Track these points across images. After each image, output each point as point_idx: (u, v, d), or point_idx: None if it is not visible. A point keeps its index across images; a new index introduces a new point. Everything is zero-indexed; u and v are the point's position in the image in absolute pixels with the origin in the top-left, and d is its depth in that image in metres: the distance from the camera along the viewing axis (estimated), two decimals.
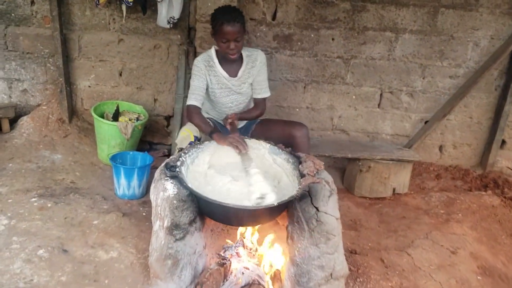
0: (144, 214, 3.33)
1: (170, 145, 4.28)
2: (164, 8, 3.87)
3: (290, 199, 2.48)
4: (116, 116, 4.04)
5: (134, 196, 3.52)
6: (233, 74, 3.22)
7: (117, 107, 4.09)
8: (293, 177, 2.84)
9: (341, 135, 4.45)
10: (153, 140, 4.34)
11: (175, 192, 2.52)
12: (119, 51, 4.23)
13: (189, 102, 3.13)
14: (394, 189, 3.96)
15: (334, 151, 3.85)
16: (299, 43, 4.12)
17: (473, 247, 3.22)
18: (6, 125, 4.19)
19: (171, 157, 2.87)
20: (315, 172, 2.74)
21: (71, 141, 4.20)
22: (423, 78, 4.25)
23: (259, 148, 3.08)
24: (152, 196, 2.72)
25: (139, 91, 4.36)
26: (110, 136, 3.86)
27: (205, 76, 3.15)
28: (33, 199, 3.28)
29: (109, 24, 4.15)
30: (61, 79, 4.18)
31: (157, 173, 2.75)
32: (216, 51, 3.20)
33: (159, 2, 3.81)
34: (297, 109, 4.35)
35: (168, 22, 3.94)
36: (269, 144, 3.07)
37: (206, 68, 3.16)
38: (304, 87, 4.27)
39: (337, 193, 4.03)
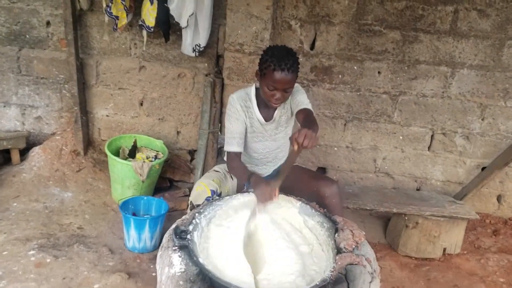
0: (153, 274, 2.91)
1: (193, 183, 3.86)
2: (189, 35, 3.46)
3: (322, 284, 2.02)
4: (133, 153, 3.65)
5: (145, 249, 3.11)
6: (268, 118, 2.80)
7: (135, 142, 3.70)
8: (327, 247, 2.37)
9: (385, 178, 3.93)
10: (174, 177, 3.92)
11: (182, 270, 2.07)
12: (140, 79, 3.84)
13: (230, 148, 2.71)
14: (444, 249, 3.42)
15: (377, 203, 3.33)
16: (340, 76, 3.64)
17: None
18: (16, 156, 3.86)
19: (183, 217, 2.43)
20: (354, 246, 2.26)
21: (84, 177, 3.84)
22: (482, 119, 3.69)
23: (288, 206, 2.63)
24: (157, 267, 2.29)
25: (161, 122, 3.96)
26: (124, 176, 3.47)
27: (241, 116, 2.72)
28: (31, 252, 2.90)
29: (130, 49, 3.77)
30: (76, 108, 3.82)
31: (165, 239, 2.31)
32: (256, 89, 2.78)
33: (183, 28, 3.41)
34: (336, 148, 3.86)
35: (194, 50, 3.53)
36: (300, 202, 2.61)
37: (243, 109, 2.73)
38: (345, 125, 3.79)
39: (379, 250, 3.57)
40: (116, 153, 3.66)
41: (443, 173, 3.88)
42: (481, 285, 3.15)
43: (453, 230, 3.36)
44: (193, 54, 3.55)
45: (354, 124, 3.78)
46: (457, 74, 3.57)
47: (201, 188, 2.65)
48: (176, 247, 2.16)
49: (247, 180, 2.54)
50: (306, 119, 2.58)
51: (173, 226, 2.35)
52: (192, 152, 4.04)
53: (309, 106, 2.72)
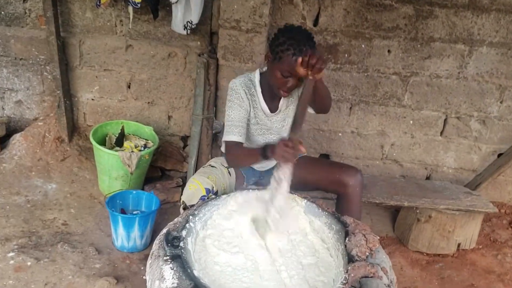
0: (144, 277, 2.65)
1: (186, 172, 3.59)
2: (179, 11, 3.12)
3: None
4: (120, 141, 3.35)
5: (135, 248, 2.85)
6: (273, 108, 2.51)
7: (122, 129, 3.40)
8: (336, 252, 2.13)
9: (393, 166, 3.65)
10: (165, 166, 3.64)
11: (175, 285, 1.83)
12: (127, 59, 3.52)
13: (231, 137, 2.41)
14: (459, 245, 3.17)
15: (386, 196, 3.06)
16: (346, 55, 3.32)
17: None
18: None
19: (175, 220, 2.16)
20: (367, 254, 2.01)
21: (70, 166, 3.55)
22: (501, 102, 3.39)
23: (292, 206, 2.36)
24: (147, 277, 2.03)
25: (150, 106, 3.66)
26: (111, 167, 3.18)
27: (245, 103, 2.43)
28: (11, 254, 2.64)
29: (115, 27, 3.43)
30: (58, 91, 3.51)
31: (155, 245, 2.05)
32: (261, 75, 2.47)
33: (173, 3, 3.07)
34: (340, 134, 3.57)
35: (185, 28, 3.19)
36: (305, 200, 2.34)
37: (247, 96, 2.44)
38: (350, 108, 3.49)
39: (387, 244, 3.31)
40: (102, 141, 3.37)
41: (456, 160, 3.60)
42: (499, 285, 2.92)
43: (469, 224, 3.10)
44: (184, 32, 3.21)
45: (361, 108, 3.48)
46: (475, 52, 3.25)
47: (194, 187, 2.37)
48: (168, 257, 1.91)
49: (261, 155, 2.21)
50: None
51: (164, 230, 2.08)
52: (185, 138, 3.75)
53: None
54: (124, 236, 2.79)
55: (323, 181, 2.54)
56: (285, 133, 2.56)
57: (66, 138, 3.64)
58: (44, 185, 3.36)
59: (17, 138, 3.56)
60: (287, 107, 2.52)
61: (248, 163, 2.54)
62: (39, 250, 2.72)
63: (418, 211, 3.12)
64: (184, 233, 2.01)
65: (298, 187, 2.66)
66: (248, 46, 3.22)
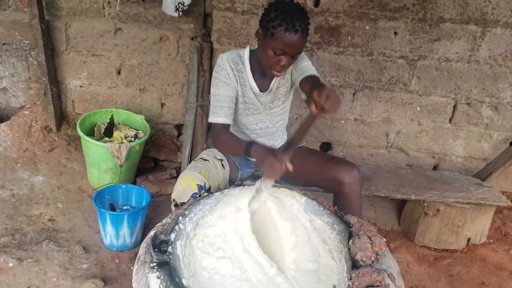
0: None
1: (180, 163, 3.40)
2: None
3: None
4: (109, 130, 3.16)
5: (124, 246, 2.69)
6: (264, 87, 2.34)
7: (111, 118, 3.21)
8: (338, 255, 1.97)
9: (398, 155, 3.46)
10: (158, 157, 3.45)
11: None
12: (116, 43, 3.30)
13: (216, 118, 2.26)
14: (468, 239, 2.99)
15: (392, 189, 2.87)
16: (349, 38, 3.09)
17: None
18: None
19: (164, 221, 1.99)
20: (373, 259, 1.84)
21: (58, 157, 3.37)
22: None
23: (292, 203, 2.19)
24: (133, 285, 1.87)
25: (142, 93, 3.46)
26: (100, 159, 3.00)
27: (232, 81, 2.27)
28: None
29: (103, 9, 3.21)
30: (44, 78, 3.30)
31: (142, 249, 1.88)
32: (250, 52, 2.30)
33: None
34: (343, 121, 3.37)
35: (176, 9, 2.99)
36: (305, 197, 2.17)
37: (234, 73, 2.27)
38: (354, 94, 3.28)
39: (392, 239, 3.14)
40: (91, 131, 3.19)
41: (465, 149, 3.40)
42: None
43: (480, 218, 2.92)
44: (176, 14, 3.01)
45: (365, 94, 3.27)
46: (488, 34, 3.02)
47: (185, 183, 2.19)
48: (155, 264, 1.74)
49: (244, 152, 2.10)
50: (316, 85, 2.05)
51: (152, 233, 1.91)
52: (179, 127, 3.55)
53: (316, 73, 2.25)
54: (112, 234, 2.62)
55: (317, 178, 2.37)
56: (273, 114, 2.41)
57: (54, 128, 3.45)
58: (30, 177, 3.19)
59: (2, 128, 3.37)
60: (278, 88, 2.35)
61: (231, 153, 2.39)
62: (22, 250, 2.56)
63: (425, 204, 2.94)
64: (172, 236, 1.84)
65: (293, 182, 2.49)
66: (244, 29, 3.02)
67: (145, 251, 1.83)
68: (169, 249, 1.78)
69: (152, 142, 3.43)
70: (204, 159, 2.37)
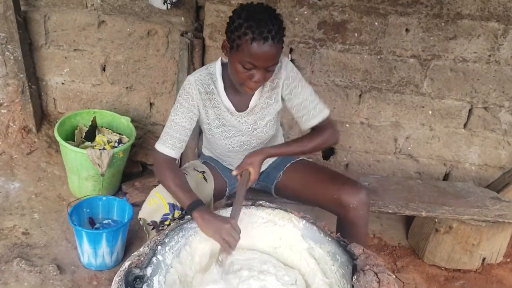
0: None
1: None
2: None
3: None
4: (91, 135, 2.89)
5: (104, 266, 2.44)
6: (242, 107, 2.01)
7: (94, 120, 2.94)
8: None
9: (407, 161, 3.18)
10: (146, 161, 3.18)
11: None
12: (100, 37, 3.02)
13: (160, 147, 1.96)
14: (483, 259, 2.73)
15: (401, 204, 2.59)
16: (356, 34, 2.80)
17: None
18: None
19: (140, 250, 1.72)
20: None
21: (37, 161, 3.11)
22: None
23: (288, 227, 1.94)
24: None
25: (129, 92, 3.18)
26: (80, 166, 2.74)
27: (196, 109, 1.95)
28: None
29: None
30: (21, 75, 3.03)
31: (114, 284, 1.63)
32: (222, 66, 1.97)
33: None
34: (348, 125, 3.08)
35: (165, 1, 2.70)
36: (303, 221, 1.92)
37: (202, 96, 1.94)
38: (360, 96, 2.99)
39: (399, 256, 2.86)
40: (72, 135, 2.92)
41: (480, 156, 3.12)
42: None
43: (497, 237, 2.65)
44: (164, 7, 2.73)
45: (372, 96, 2.98)
46: (511, 32, 2.72)
47: (155, 202, 1.92)
48: None
49: (188, 209, 1.81)
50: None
51: (126, 265, 1.64)
52: None
53: (323, 111, 2.01)
54: (90, 252, 2.37)
55: (319, 199, 2.09)
56: (258, 134, 2.08)
57: (33, 128, 3.19)
58: (6, 184, 2.93)
59: None
60: (263, 108, 2.01)
61: (172, 195, 1.93)
62: None
63: (436, 220, 2.67)
64: (149, 270, 1.60)
65: (291, 198, 2.23)
66: None
67: (118, 287, 1.58)
68: (144, 287, 1.53)
69: (140, 145, 3.17)
70: (184, 173, 2.08)
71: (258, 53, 1.68)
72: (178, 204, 1.90)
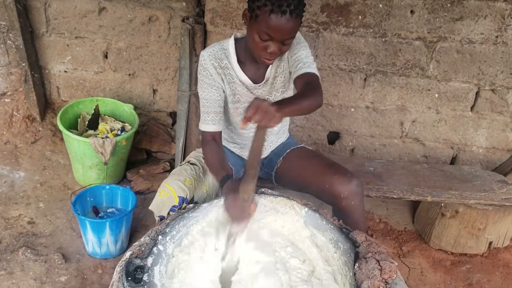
0: None
1: (174, 155, 3.13)
2: None
3: None
4: (94, 123, 2.89)
5: (109, 254, 2.45)
6: (258, 78, 2.01)
7: (96, 109, 2.92)
8: (342, 279, 1.72)
9: (413, 145, 3.14)
10: (151, 148, 3.17)
11: None
12: (101, 24, 2.99)
13: (203, 127, 2.00)
14: (490, 243, 2.71)
15: (406, 189, 2.57)
16: (360, 17, 2.75)
17: None
18: None
19: (141, 240, 1.72)
20: None
21: (41, 149, 3.11)
22: None
23: (290, 214, 1.92)
24: None
25: (132, 79, 3.16)
26: (84, 155, 2.73)
27: (217, 82, 1.97)
28: None
29: None
30: (23, 64, 3.02)
31: (115, 274, 1.65)
32: (236, 41, 1.97)
33: None
34: (353, 109, 3.05)
35: None
36: (306, 208, 1.89)
37: (217, 70, 1.96)
38: (365, 80, 2.95)
39: (406, 240, 2.84)
40: (75, 123, 2.92)
41: (488, 139, 3.08)
42: None
43: (503, 221, 2.63)
44: None
45: (377, 79, 2.93)
46: None
47: (165, 194, 1.93)
48: None
49: (219, 184, 1.85)
50: (304, 86, 1.81)
51: (127, 255, 1.65)
52: (173, 114, 3.26)
53: (313, 69, 1.90)
54: (94, 241, 2.38)
55: (313, 188, 2.07)
56: None
57: (37, 117, 3.18)
58: (11, 173, 2.94)
59: None
60: (275, 77, 2.02)
61: (212, 173, 2.01)
62: None
63: (442, 204, 2.64)
64: (150, 261, 1.59)
65: (289, 186, 2.22)
66: (241, 9, 2.69)
67: (119, 278, 1.58)
68: (145, 277, 1.53)
69: (144, 132, 3.15)
70: (192, 163, 2.09)
71: (275, 25, 1.67)
72: (187, 197, 1.91)
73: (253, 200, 1.68)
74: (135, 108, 3.03)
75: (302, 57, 1.93)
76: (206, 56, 1.95)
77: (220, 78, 1.97)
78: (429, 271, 2.61)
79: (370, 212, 2.96)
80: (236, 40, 1.97)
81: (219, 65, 1.96)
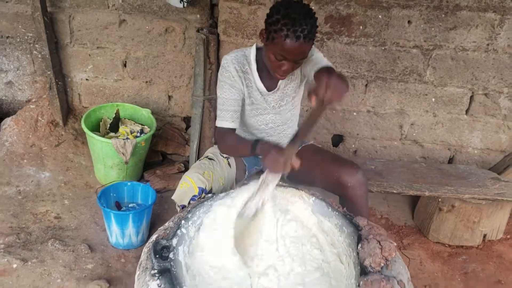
0: None
1: (188, 157, 3.34)
2: None
3: None
4: (115, 126, 3.11)
5: (131, 245, 2.65)
6: (271, 86, 2.23)
7: (117, 113, 3.15)
8: (347, 259, 1.90)
9: (412, 147, 3.35)
10: (166, 151, 3.39)
11: None
12: (121, 35, 3.23)
13: (222, 123, 2.18)
14: (484, 236, 2.90)
15: (405, 185, 2.77)
16: (361, 27, 2.98)
17: None
18: None
19: (166, 225, 1.92)
20: (382, 265, 1.76)
21: (64, 152, 3.33)
22: None
23: (299, 202, 2.11)
24: None
25: (148, 86, 3.38)
26: (105, 155, 2.95)
27: (239, 84, 2.17)
28: None
29: (107, 0, 3.13)
30: (49, 72, 3.25)
31: (143, 255, 1.83)
32: (257, 50, 2.19)
33: None
34: (355, 113, 3.26)
35: (181, 0, 2.89)
36: (313, 198, 2.08)
37: (239, 74, 2.16)
38: (366, 85, 3.17)
39: (406, 234, 3.05)
40: (97, 126, 3.13)
41: (482, 140, 3.28)
42: None
43: (496, 214, 2.82)
44: (180, 5, 2.91)
45: (377, 85, 3.15)
46: (507, 22, 2.88)
47: (186, 185, 2.13)
48: (155, 271, 1.68)
49: (251, 151, 2.02)
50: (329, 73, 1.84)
51: (154, 237, 1.85)
52: (187, 119, 3.48)
53: (329, 64, 2.09)
54: (118, 233, 2.58)
55: (321, 180, 2.26)
56: (282, 111, 2.30)
57: (60, 122, 3.41)
58: (36, 173, 3.15)
59: (8, 123, 3.34)
60: (286, 85, 2.24)
61: (238, 155, 2.30)
62: (27, 250, 2.53)
63: (440, 199, 2.84)
64: (174, 241, 1.78)
65: (299, 181, 2.41)
66: (252, 20, 2.92)
67: (147, 257, 1.77)
68: (171, 255, 1.72)
69: (160, 136, 3.37)
70: (210, 158, 2.30)
71: (290, 48, 1.87)
72: (208, 186, 2.11)
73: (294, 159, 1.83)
74: (152, 113, 3.25)
75: (318, 59, 2.10)
76: (229, 60, 2.14)
77: (241, 81, 2.16)
78: (427, 262, 2.79)
79: (372, 209, 3.16)
80: (257, 49, 2.17)
81: (241, 69, 2.16)
